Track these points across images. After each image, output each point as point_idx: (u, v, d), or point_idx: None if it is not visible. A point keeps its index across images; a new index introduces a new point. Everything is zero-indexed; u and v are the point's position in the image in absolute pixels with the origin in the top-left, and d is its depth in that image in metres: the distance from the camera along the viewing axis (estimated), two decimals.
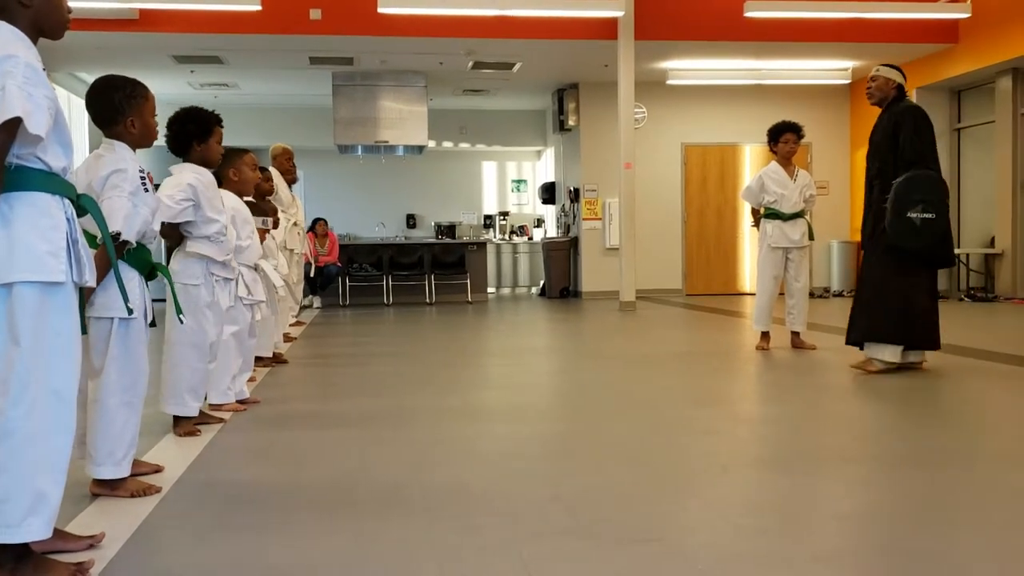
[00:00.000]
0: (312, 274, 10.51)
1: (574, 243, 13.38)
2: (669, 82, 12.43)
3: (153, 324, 2.86)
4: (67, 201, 2.09)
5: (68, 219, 2.08)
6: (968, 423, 3.94)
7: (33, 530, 1.97)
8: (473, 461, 3.29)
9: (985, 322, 8.71)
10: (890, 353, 5.08)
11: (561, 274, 13.36)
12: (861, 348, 5.25)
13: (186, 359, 3.55)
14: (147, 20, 9.64)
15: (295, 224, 7.42)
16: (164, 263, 3.17)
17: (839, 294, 12.80)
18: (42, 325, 1.99)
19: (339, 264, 11.91)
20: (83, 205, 2.22)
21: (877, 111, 5.44)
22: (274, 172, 7.06)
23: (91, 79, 12.35)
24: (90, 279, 2.14)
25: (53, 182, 2.05)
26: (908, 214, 4.98)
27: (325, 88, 12.30)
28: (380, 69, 11.85)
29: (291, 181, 7.73)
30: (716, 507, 2.70)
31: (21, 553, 2.00)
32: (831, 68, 12.38)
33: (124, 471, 2.74)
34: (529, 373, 5.87)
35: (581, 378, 5.61)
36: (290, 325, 7.99)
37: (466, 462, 3.27)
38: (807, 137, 13.08)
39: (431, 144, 13.13)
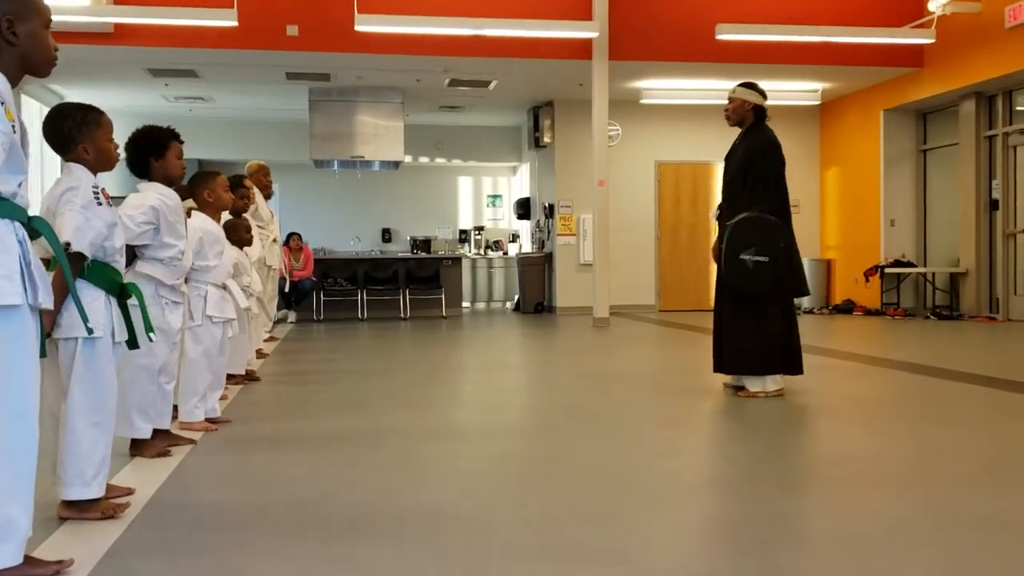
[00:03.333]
0: (287, 289, 10.50)
1: (548, 259, 13.46)
2: (643, 101, 12.58)
3: (133, 345, 2.89)
4: (18, 224, 2.10)
5: (20, 241, 2.08)
6: (926, 441, 4.03)
7: (4, 557, 1.99)
8: (443, 482, 3.33)
9: (949, 340, 8.88)
10: (772, 383, 5.17)
11: (536, 289, 13.44)
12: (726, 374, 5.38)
13: (134, 380, 3.52)
14: (122, 34, 9.64)
15: (274, 241, 7.46)
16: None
17: (810, 311, 12.97)
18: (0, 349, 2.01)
19: (314, 279, 11.92)
20: (35, 227, 2.22)
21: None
22: (254, 188, 7.08)
23: (65, 92, 12.35)
24: (45, 300, 2.14)
25: (4, 207, 2.06)
26: (741, 255, 5.01)
27: (301, 103, 12.33)
28: (357, 85, 11.91)
29: (267, 196, 7.77)
30: (682, 528, 2.76)
31: None
32: (801, 90, 12.58)
33: (95, 492, 2.76)
34: (501, 391, 5.93)
35: (552, 397, 5.67)
36: (263, 341, 8.00)
37: (436, 483, 3.31)
38: None
39: (407, 159, 13.19)
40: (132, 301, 2.92)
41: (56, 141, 2.80)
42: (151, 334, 3.05)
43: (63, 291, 2.52)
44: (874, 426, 4.51)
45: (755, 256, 5.02)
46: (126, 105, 12.98)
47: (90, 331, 2.61)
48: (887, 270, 12.02)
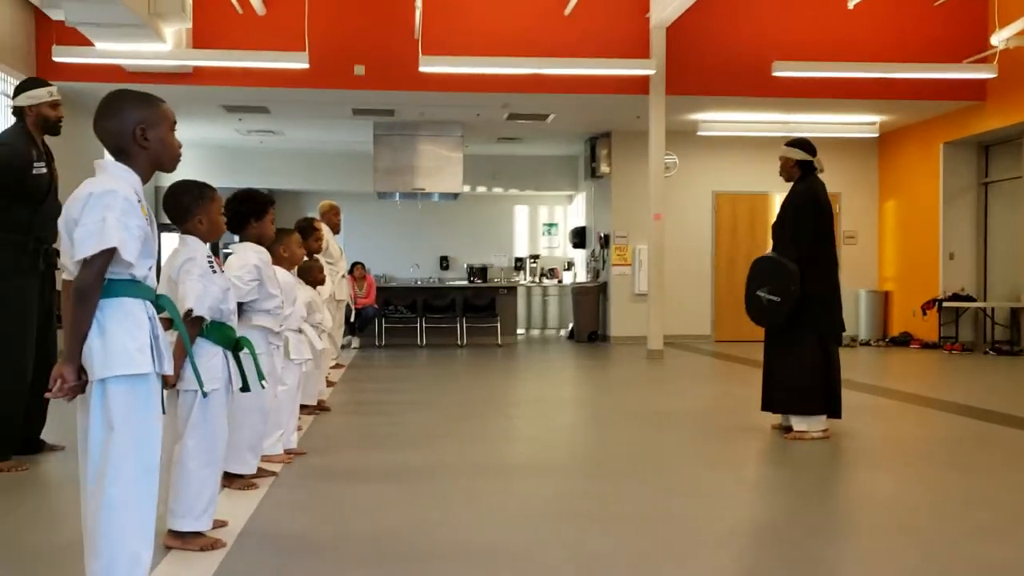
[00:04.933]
0: (352, 318, 10.90)
1: (603, 288, 13.69)
2: (700, 133, 12.77)
3: (245, 388, 3.23)
4: (148, 303, 2.45)
5: (150, 318, 2.43)
6: (963, 490, 4.18)
7: None
8: (500, 520, 3.61)
9: (1003, 378, 8.87)
10: (818, 423, 5.36)
11: (590, 318, 13.66)
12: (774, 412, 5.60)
13: (248, 421, 3.88)
14: (200, 75, 10.18)
15: (343, 276, 7.88)
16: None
17: (866, 343, 12.98)
18: (132, 411, 2.35)
19: (376, 306, 12.32)
20: (161, 304, 2.57)
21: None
22: (324, 228, 7.47)
23: None
24: (168, 368, 2.49)
25: (137, 288, 2.42)
26: (757, 292, 5.39)
27: (366, 135, 12.80)
28: (419, 120, 12.33)
29: (335, 232, 8.18)
30: (720, 574, 2.98)
31: None
32: (859, 122, 12.66)
33: (203, 525, 3.11)
34: (553, 427, 6.18)
35: (603, 434, 5.91)
36: (331, 368, 8.38)
37: (493, 521, 3.59)
38: (836, 188, 13.38)
39: (465, 188, 13.57)
40: (244, 352, 3.27)
41: (176, 213, 3.15)
42: (263, 381, 3.37)
43: (184, 353, 2.88)
44: (913, 473, 4.66)
45: (769, 295, 5.37)
46: (201, 137, 13.61)
47: (204, 393, 2.95)
48: (945, 304, 12.00)
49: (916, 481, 4.42)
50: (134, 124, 2.45)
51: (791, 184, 5.59)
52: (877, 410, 6.68)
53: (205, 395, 2.99)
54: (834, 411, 5.43)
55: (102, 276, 2.30)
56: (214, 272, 3.13)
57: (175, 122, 2.56)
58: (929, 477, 4.51)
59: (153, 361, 2.39)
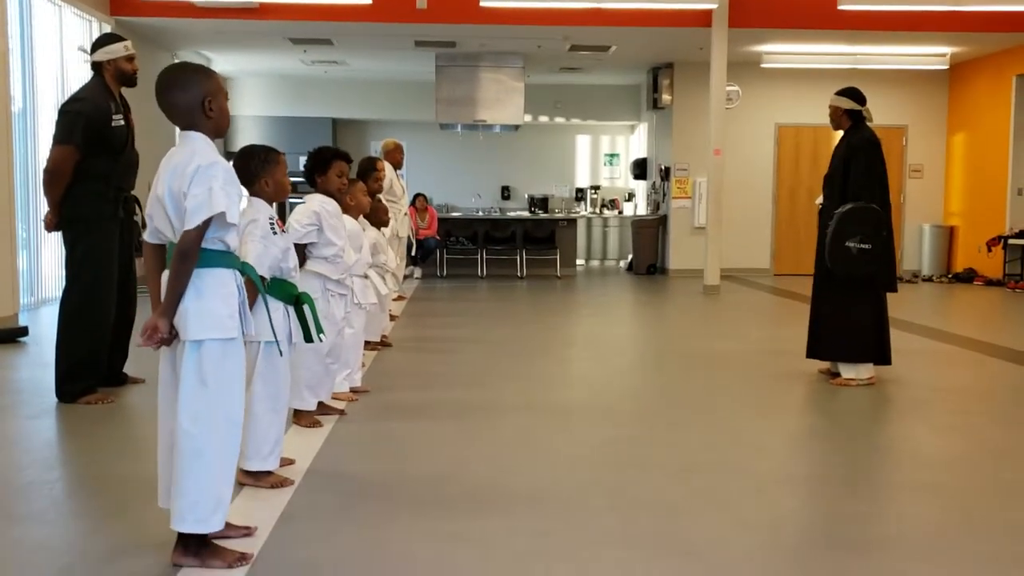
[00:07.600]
0: (414, 252, 11.19)
1: (663, 221, 13.73)
2: (763, 65, 12.57)
3: (308, 339, 3.49)
4: (236, 272, 2.72)
5: (238, 287, 2.70)
6: (1005, 446, 4.30)
7: (214, 524, 2.64)
8: (549, 465, 3.86)
9: None
10: (865, 370, 5.47)
11: (649, 251, 13.75)
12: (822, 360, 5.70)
13: (305, 361, 4.18)
14: (266, 9, 10.35)
15: (405, 214, 8.13)
16: None
17: (929, 279, 12.86)
18: (222, 370, 2.63)
19: (438, 237, 12.59)
20: (245, 271, 2.83)
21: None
22: (387, 166, 7.69)
23: (213, 56, 13.30)
24: (252, 331, 2.78)
25: (229, 259, 2.69)
26: (846, 243, 5.33)
27: (428, 66, 12.90)
28: (480, 51, 12.38)
29: (397, 168, 8.39)
30: (752, 526, 3.18)
31: (203, 541, 2.67)
32: (928, 54, 12.31)
33: (271, 464, 3.42)
34: (605, 368, 6.40)
35: (652, 377, 6.12)
36: (393, 300, 8.69)
37: (543, 465, 3.84)
38: (903, 120, 13.11)
39: (527, 119, 13.63)
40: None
41: (243, 175, 3.37)
42: (321, 334, 3.63)
43: (254, 296, 3.12)
44: (954, 425, 4.76)
45: (859, 244, 5.34)
46: (267, 68, 13.85)
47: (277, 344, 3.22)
48: (1011, 241, 11.80)
49: (957, 435, 4.54)
50: (202, 97, 2.67)
51: (840, 133, 5.61)
52: (929, 355, 6.75)
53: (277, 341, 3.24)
54: (882, 358, 5.55)
55: (202, 238, 2.57)
56: (275, 233, 3.36)
57: (227, 93, 2.79)
58: (971, 431, 4.60)
59: (241, 325, 2.66)
